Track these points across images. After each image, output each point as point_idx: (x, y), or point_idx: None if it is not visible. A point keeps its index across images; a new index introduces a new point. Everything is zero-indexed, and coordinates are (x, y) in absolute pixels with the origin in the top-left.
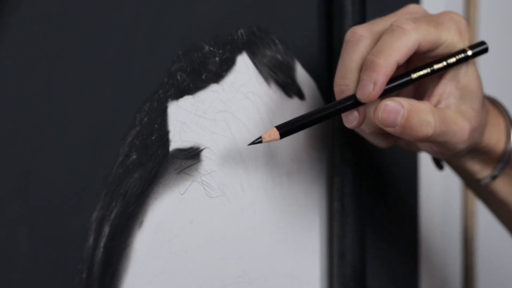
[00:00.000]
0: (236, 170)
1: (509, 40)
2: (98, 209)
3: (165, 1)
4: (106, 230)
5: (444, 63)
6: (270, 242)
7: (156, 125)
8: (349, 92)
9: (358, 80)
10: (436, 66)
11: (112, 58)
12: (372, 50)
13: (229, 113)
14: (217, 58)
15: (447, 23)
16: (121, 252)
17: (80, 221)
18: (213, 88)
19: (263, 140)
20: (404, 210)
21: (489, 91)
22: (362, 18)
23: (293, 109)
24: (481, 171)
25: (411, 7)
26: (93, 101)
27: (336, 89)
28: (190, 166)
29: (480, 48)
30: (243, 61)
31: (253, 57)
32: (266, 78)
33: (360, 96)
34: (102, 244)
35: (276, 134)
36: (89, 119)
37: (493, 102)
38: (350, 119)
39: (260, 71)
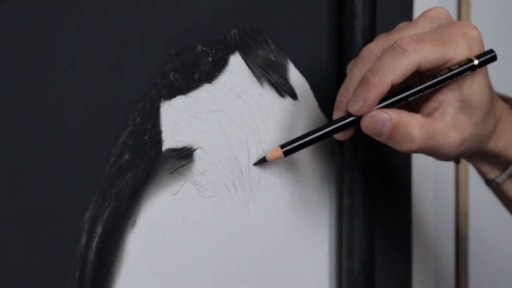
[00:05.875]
0: (229, 170)
1: (501, 38)
2: (91, 209)
3: (158, 1)
4: (99, 230)
5: (443, 77)
6: (263, 242)
7: (149, 125)
8: (346, 103)
9: None
10: (437, 78)
11: (105, 58)
12: (371, 67)
13: (222, 113)
14: (209, 58)
15: (456, 40)
16: (114, 252)
17: (72, 221)
18: (206, 88)
19: (268, 159)
20: (397, 210)
21: None
22: (354, 18)
23: (286, 109)
24: (490, 172)
25: (433, 11)
26: (86, 101)
27: (338, 98)
28: (183, 166)
29: (488, 57)
30: (236, 61)
31: (245, 57)
32: (259, 78)
33: (350, 109)
34: (94, 244)
35: (280, 153)
36: (82, 119)
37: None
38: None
39: (253, 71)
